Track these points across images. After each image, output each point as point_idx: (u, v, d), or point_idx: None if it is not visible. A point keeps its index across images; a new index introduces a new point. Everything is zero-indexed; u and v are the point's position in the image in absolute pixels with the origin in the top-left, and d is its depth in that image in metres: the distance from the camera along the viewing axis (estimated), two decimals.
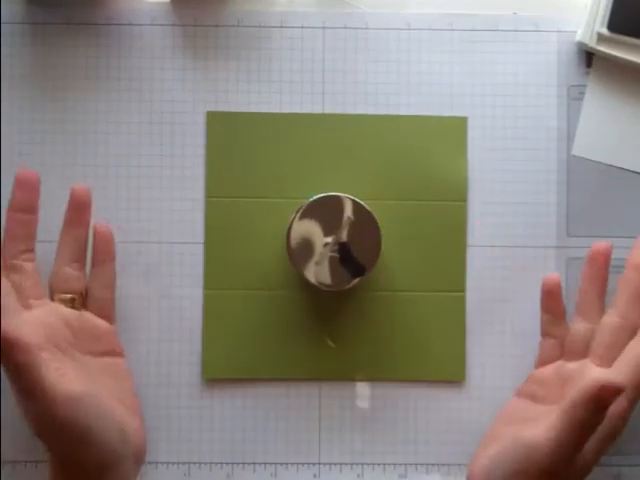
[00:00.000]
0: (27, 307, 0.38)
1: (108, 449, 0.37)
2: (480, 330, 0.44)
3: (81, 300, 0.41)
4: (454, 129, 0.45)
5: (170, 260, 0.44)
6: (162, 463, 0.44)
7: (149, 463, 0.44)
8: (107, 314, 0.42)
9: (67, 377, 0.36)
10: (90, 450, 0.36)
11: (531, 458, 0.36)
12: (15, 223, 0.40)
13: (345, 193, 0.41)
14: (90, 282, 0.42)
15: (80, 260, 0.41)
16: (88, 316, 0.41)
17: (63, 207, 0.43)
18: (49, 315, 0.39)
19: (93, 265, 0.42)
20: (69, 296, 0.40)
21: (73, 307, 0.40)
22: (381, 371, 0.44)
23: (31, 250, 0.40)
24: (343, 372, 0.44)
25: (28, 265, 0.40)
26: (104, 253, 0.42)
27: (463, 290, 0.44)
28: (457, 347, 0.44)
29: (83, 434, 0.36)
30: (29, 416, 0.37)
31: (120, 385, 0.41)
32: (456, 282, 0.44)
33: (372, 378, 0.44)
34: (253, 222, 0.44)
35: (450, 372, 0.44)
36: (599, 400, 0.34)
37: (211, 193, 0.44)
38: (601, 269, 0.41)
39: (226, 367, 0.44)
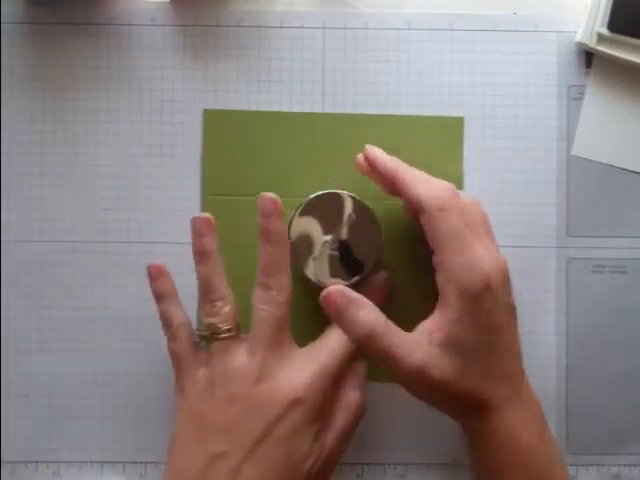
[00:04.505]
0: None
1: None
2: None
3: None
4: (451, 129, 0.45)
5: (170, 260, 0.44)
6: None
7: (152, 463, 0.44)
8: None
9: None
10: None
11: None
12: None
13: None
14: None
15: None
16: None
17: (63, 207, 0.43)
18: None
19: None
20: None
21: None
22: (381, 371, 0.44)
23: None
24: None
25: None
26: None
27: None
28: None
29: None
30: None
31: None
32: None
33: (372, 378, 0.44)
34: (251, 220, 0.44)
35: None
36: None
37: (208, 191, 0.45)
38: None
39: None
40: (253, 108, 0.45)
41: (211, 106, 0.45)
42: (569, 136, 0.45)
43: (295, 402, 0.36)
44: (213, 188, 0.45)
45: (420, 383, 0.36)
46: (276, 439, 0.36)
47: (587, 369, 0.44)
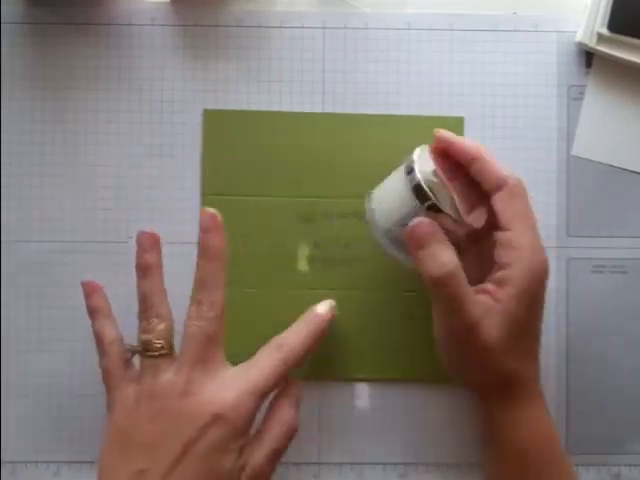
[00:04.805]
0: None
1: None
2: None
3: None
4: (451, 129, 0.44)
5: (170, 260, 0.44)
6: None
7: None
8: None
9: None
10: None
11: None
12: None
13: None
14: None
15: None
16: None
17: (63, 207, 0.43)
18: None
19: None
20: None
21: None
22: (381, 371, 0.44)
23: None
24: (343, 372, 0.44)
25: None
26: None
27: None
28: None
29: None
30: None
31: None
32: None
33: (372, 378, 0.44)
34: (251, 221, 0.44)
35: None
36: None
37: (208, 191, 0.45)
38: None
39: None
40: (253, 108, 0.45)
41: (211, 106, 0.45)
42: (569, 136, 0.45)
43: (216, 418, 0.36)
44: (213, 188, 0.45)
45: (468, 340, 0.37)
46: (196, 456, 0.35)
47: (587, 369, 0.44)
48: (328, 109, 0.45)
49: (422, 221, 0.36)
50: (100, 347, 0.39)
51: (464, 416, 0.44)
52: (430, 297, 0.38)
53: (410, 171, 0.37)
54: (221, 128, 0.45)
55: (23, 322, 0.44)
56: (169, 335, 0.38)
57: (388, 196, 0.38)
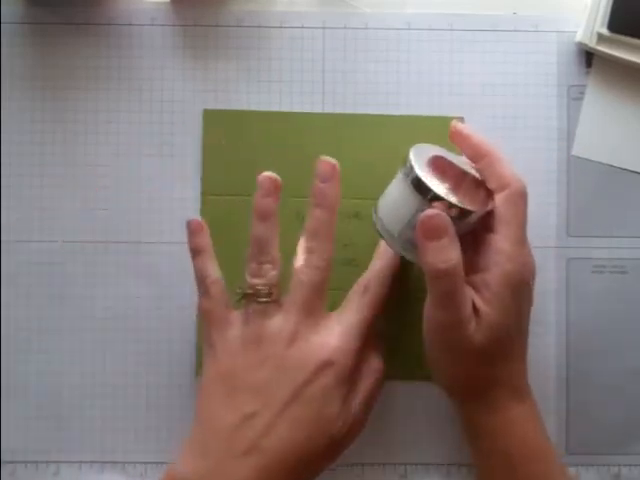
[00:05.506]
0: None
1: None
2: None
3: None
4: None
5: (169, 260, 0.44)
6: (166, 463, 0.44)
7: (152, 463, 0.44)
8: None
9: None
10: None
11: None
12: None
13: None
14: None
15: None
16: None
17: (63, 207, 0.43)
18: None
19: None
20: None
21: None
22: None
23: None
24: None
25: None
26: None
27: None
28: None
29: None
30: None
31: None
32: None
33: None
34: (250, 220, 0.44)
35: None
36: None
37: (207, 191, 0.45)
38: None
39: None
40: (253, 108, 0.45)
41: (211, 106, 0.45)
42: (569, 136, 0.45)
43: (326, 364, 0.37)
44: (213, 188, 0.45)
45: (453, 336, 0.37)
46: (306, 400, 0.36)
47: (587, 369, 0.44)
48: (328, 109, 0.45)
49: (437, 213, 0.36)
50: (202, 286, 0.39)
51: None
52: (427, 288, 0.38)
53: (408, 170, 0.37)
54: (221, 128, 0.45)
55: (23, 322, 0.44)
56: (278, 282, 0.38)
57: (392, 201, 0.38)
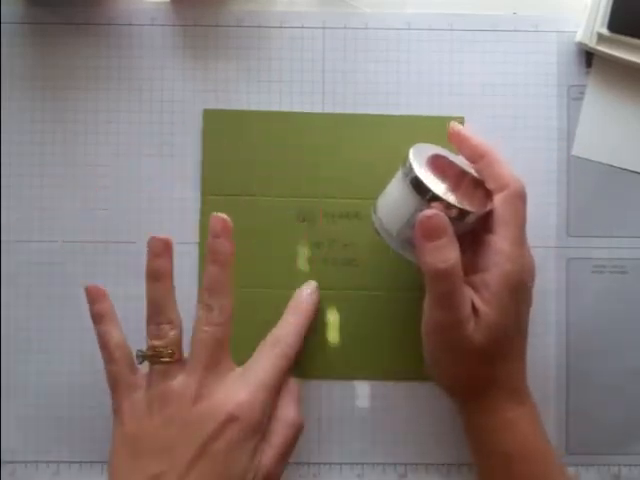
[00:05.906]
0: None
1: None
2: None
3: None
4: None
5: None
6: None
7: None
8: None
9: None
10: None
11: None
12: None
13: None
14: None
15: None
16: None
17: (63, 207, 0.43)
18: None
19: None
20: None
21: None
22: (381, 370, 0.44)
23: None
24: (343, 372, 0.44)
25: None
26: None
27: None
28: None
29: None
30: None
31: None
32: None
33: (372, 378, 0.44)
34: (251, 221, 0.44)
35: None
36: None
37: (207, 191, 0.45)
38: None
39: None
40: (253, 108, 0.45)
41: (211, 106, 0.45)
42: (569, 136, 0.45)
43: (231, 418, 0.36)
44: (213, 188, 0.45)
45: (452, 336, 0.37)
46: (212, 456, 0.36)
47: (587, 369, 0.44)
48: (328, 109, 0.45)
49: (435, 213, 0.36)
50: (105, 352, 0.39)
51: None
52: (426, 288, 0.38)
53: (407, 170, 0.37)
54: (221, 128, 0.45)
55: (23, 322, 0.44)
56: (179, 341, 0.38)
57: (392, 200, 0.38)
